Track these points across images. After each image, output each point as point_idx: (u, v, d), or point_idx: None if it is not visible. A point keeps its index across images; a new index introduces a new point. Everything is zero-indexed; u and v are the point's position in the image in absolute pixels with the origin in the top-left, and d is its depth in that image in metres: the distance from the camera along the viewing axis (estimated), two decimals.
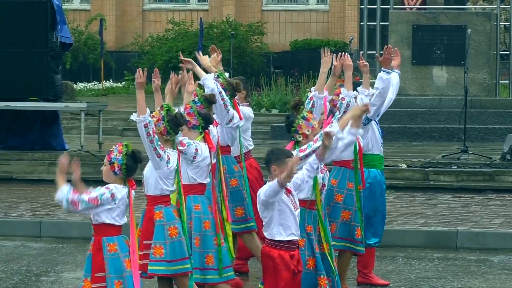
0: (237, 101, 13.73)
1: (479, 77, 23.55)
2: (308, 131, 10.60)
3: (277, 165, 9.46)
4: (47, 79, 21.43)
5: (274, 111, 26.18)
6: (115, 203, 9.58)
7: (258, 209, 9.87)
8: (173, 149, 11.11)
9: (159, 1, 38.35)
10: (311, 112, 11.44)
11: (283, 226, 9.59)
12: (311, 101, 12.31)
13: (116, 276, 9.69)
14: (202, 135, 11.62)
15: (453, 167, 19.40)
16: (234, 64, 26.95)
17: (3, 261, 15.20)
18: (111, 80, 32.11)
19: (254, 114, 25.42)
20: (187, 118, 11.44)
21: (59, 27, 22.16)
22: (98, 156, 20.43)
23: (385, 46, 13.55)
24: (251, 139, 14.81)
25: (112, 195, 9.58)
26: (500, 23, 25.96)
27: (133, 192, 9.77)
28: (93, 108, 24.26)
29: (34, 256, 15.41)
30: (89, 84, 32.60)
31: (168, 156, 10.93)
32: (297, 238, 9.70)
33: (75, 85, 27.81)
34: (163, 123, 10.81)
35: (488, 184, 18.27)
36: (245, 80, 14.81)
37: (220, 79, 13.08)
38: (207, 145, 11.55)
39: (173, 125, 11.07)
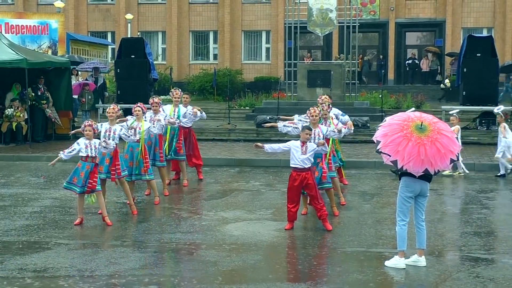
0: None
1: (337, 92, 23.57)
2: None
3: (306, 132, 9.26)
4: (148, 94, 19.70)
5: (247, 108, 26.09)
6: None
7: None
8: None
9: (196, 59, 38.14)
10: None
11: (293, 160, 9.26)
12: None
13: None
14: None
15: None
16: (229, 87, 26.79)
17: None
18: None
19: (238, 110, 25.36)
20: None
21: (152, 71, 22.00)
22: None
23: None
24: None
25: None
26: (346, 68, 25.99)
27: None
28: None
29: None
30: (166, 96, 32.43)
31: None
32: (300, 166, 9.17)
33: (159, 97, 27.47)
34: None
35: None
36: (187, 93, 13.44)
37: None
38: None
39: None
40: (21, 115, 18.76)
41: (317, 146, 9.36)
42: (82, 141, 9.50)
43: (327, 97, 11.69)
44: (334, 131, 10.13)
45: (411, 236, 7.95)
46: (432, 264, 7.76)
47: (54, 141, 19.39)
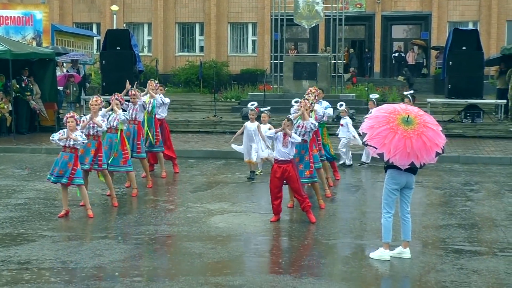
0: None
1: (322, 85, 23.36)
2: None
3: (284, 123, 9.19)
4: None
5: (232, 100, 25.97)
6: None
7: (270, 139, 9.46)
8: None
9: (182, 51, 37.94)
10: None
11: (275, 150, 9.32)
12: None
13: None
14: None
15: None
16: (215, 80, 26.68)
17: None
18: None
19: (224, 102, 25.28)
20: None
21: (137, 63, 21.89)
22: None
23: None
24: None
25: None
26: (332, 61, 25.95)
27: None
28: None
29: None
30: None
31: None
32: (280, 158, 9.15)
33: (144, 89, 27.32)
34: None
35: None
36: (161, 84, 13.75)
37: None
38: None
39: None
40: (5, 106, 18.61)
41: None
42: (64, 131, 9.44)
43: (315, 89, 11.56)
44: (311, 125, 10.05)
45: (396, 228, 7.99)
46: (417, 256, 7.81)
47: (38, 133, 19.27)
